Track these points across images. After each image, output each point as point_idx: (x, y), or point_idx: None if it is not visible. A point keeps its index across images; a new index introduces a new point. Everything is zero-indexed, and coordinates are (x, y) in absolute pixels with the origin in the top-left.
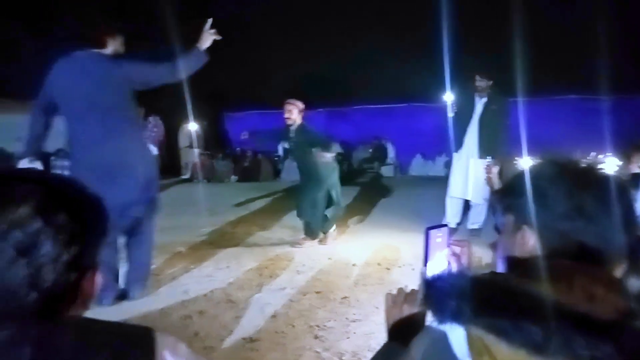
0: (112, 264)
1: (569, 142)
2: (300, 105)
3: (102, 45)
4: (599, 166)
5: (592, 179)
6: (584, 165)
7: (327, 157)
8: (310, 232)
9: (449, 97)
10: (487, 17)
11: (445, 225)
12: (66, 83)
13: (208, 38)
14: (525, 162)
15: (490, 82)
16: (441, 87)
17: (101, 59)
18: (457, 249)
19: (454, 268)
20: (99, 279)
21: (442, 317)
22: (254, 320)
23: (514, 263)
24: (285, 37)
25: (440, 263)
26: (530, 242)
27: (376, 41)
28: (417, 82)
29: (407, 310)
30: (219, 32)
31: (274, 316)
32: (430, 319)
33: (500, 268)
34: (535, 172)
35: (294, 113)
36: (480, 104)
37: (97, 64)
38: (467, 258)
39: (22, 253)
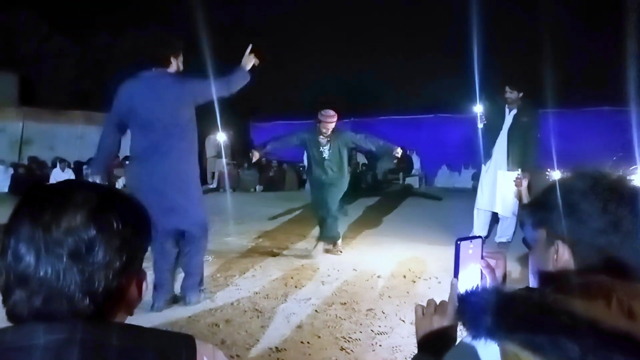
0: (168, 271)
1: (601, 154)
2: (336, 114)
3: (168, 64)
4: (631, 179)
5: (627, 192)
6: (616, 178)
7: (398, 151)
8: (334, 235)
9: (478, 108)
10: (518, 27)
11: (480, 237)
12: (137, 102)
13: (250, 61)
14: (556, 175)
15: (521, 94)
16: (469, 99)
17: (169, 78)
18: (492, 262)
19: (489, 281)
20: (145, 285)
21: (476, 332)
22: (280, 330)
23: (547, 278)
24: (313, 48)
25: (473, 275)
26: (564, 257)
27: (403, 52)
28: (444, 93)
29: (437, 321)
30: (257, 52)
31: (299, 326)
32: (462, 334)
33: (533, 283)
34: (567, 186)
35: (334, 125)
36: (510, 115)
37: (166, 83)
38: (502, 271)
39: (76, 259)
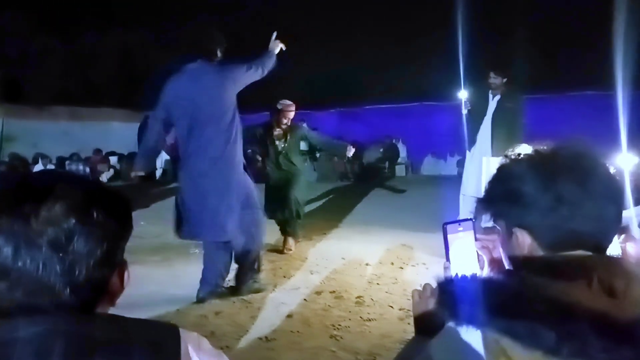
0: (217, 268)
1: (586, 139)
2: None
3: (214, 55)
4: (565, 147)
5: (562, 163)
6: (549, 152)
7: (350, 150)
8: (295, 231)
9: (463, 94)
10: (502, 13)
11: (470, 219)
12: (185, 95)
13: (277, 45)
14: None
15: (505, 79)
16: (453, 86)
17: (216, 70)
18: (489, 243)
19: (486, 261)
20: (127, 275)
21: (457, 321)
22: (270, 320)
23: (519, 264)
24: (296, 37)
25: (469, 258)
26: (527, 243)
27: (387, 41)
28: (429, 81)
29: (433, 304)
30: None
31: (289, 316)
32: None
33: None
34: (506, 174)
35: (293, 115)
36: (493, 101)
37: (214, 74)
38: (499, 250)
39: (57, 249)
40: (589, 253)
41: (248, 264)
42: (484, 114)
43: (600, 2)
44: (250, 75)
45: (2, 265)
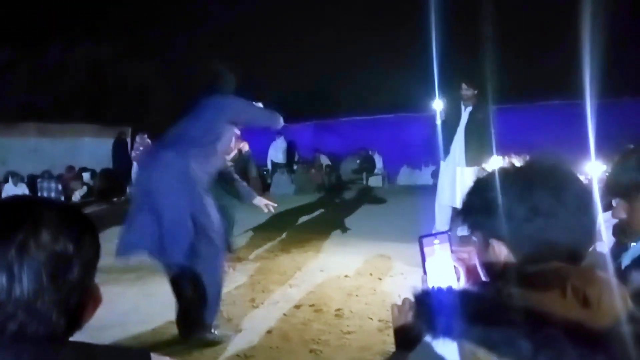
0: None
1: (554, 148)
2: None
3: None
4: (540, 159)
5: (537, 175)
6: (525, 164)
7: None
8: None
9: (438, 104)
10: (472, 24)
11: (446, 232)
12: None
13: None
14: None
15: (476, 91)
16: (427, 97)
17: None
18: (464, 255)
19: (462, 273)
20: (97, 300)
21: (433, 333)
22: (248, 336)
23: (497, 273)
24: (271, 51)
25: (446, 270)
26: (503, 254)
27: (361, 53)
28: (403, 93)
29: (411, 318)
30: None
31: (268, 331)
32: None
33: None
34: (483, 186)
35: None
36: (466, 112)
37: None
38: (474, 262)
39: (53, 278)
40: (563, 264)
41: (196, 307)
42: (458, 125)
43: (565, 11)
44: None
45: None
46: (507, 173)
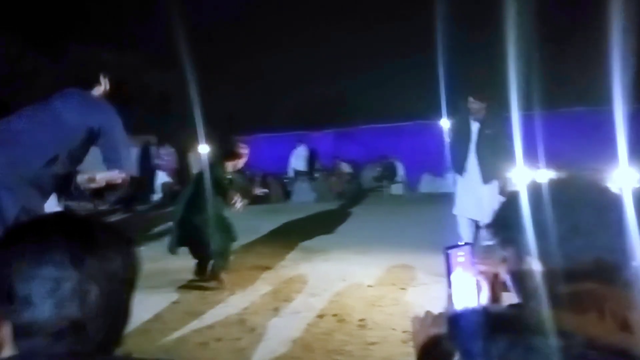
0: None
1: (580, 156)
2: None
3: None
4: (585, 177)
5: (578, 194)
6: (565, 181)
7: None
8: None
9: (445, 122)
10: (492, 30)
11: (468, 244)
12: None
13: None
14: (518, 182)
15: (484, 104)
16: (447, 104)
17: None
18: (484, 267)
19: (485, 287)
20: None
21: (468, 356)
22: (271, 346)
23: (529, 294)
24: (292, 60)
25: (468, 284)
26: (537, 272)
27: (381, 61)
28: (424, 100)
29: (434, 334)
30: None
31: (291, 341)
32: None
33: (517, 298)
34: (518, 200)
35: None
36: (475, 128)
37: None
38: (496, 276)
39: (49, 296)
40: (599, 285)
41: None
42: (469, 140)
43: (588, 14)
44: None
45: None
46: (546, 189)
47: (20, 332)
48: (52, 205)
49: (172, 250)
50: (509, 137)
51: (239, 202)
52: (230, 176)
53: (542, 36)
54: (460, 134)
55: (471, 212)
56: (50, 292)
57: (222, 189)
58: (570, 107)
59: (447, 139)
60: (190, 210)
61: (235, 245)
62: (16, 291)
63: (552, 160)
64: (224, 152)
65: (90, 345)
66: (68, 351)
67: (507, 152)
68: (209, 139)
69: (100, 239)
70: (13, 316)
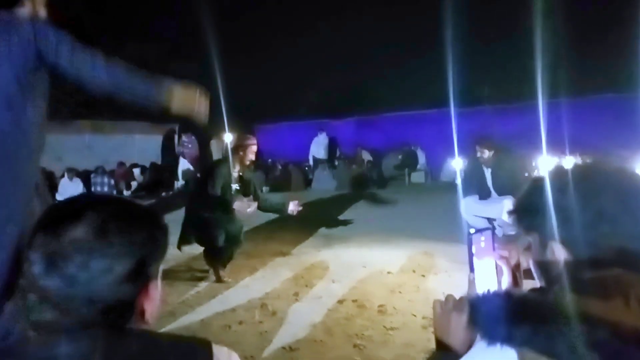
0: None
1: (607, 143)
2: None
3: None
4: (607, 163)
5: (603, 179)
6: (590, 167)
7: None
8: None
9: (457, 163)
10: (519, 15)
11: (489, 229)
12: None
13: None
14: (567, 162)
15: (492, 152)
16: (470, 91)
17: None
18: (505, 253)
19: (505, 273)
20: (156, 293)
21: (492, 341)
22: (293, 329)
23: (552, 278)
24: (314, 48)
25: (488, 269)
26: (562, 257)
27: (402, 48)
28: (446, 87)
29: (456, 318)
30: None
31: (312, 325)
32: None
33: (540, 282)
34: (542, 186)
35: None
36: (487, 173)
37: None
38: (515, 262)
39: (79, 270)
40: (625, 271)
41: None
42: (484, 182)
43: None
44: (86, 63)
45: (33, 279)
46: (572, 175)
47: (46, 305)
48: (78, 191)
49: (178, 247)
50: (524, 169)
51: (251, 207)
52: (240, 173)
53: (571, 21)
54: (474, 177)
55: (483, 211)
56: (81, 268)
57: (225, 190)
58: (600, 94)
59: (459, 180)
60: (194, 209)
61: (257, 231)
62: (63, 264)
63: (579, 147)
64: (232, 147)
65: (102, 313)
66: (88, 323)
67: (524, 181)
68: (229, 128)
69: (143, 221)
70: (36, 287)
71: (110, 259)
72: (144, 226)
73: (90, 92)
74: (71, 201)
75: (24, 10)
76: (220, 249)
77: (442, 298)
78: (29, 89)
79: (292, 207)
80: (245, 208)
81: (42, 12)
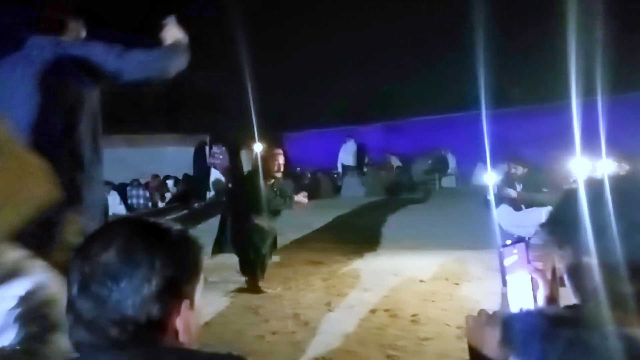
0: None
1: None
2: None
3: (55, 27)
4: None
5: (637, 189)
6: (622, 177)
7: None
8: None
9: (490, 177)
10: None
11: (522, 240)
12: None
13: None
14: (603, 166)
15: (526, 170)
16: (500, 93)
17: (50, 46)
18: (540, 265)
19: (541, 284)
20: (190, 313)
21: (526, 359)
22: (326, 340)
23: (587, 294)
24: (341, 54)
25: (523, 282)
26: (596, 271)
27: (428, 51)
28: (475, 90)
29: (489, 333)
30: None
31: (345, 335)
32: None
33: (574, 300)
34: (575, 197)
35: None
36: (519, 188)
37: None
38: (551, 274)
39: (107, 292)
40: None
41: None
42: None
43: None
44: (118, 61)
45: (70, 301)
46: (604, 186)
47: (80, 325)
48: (115, 203)
49: (211, 255)
50: (553, 189)
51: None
52: (272, 183)
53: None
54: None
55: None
56: (109, 290)
57: (257, 201)
58: (636, 92)
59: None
60: (228, 220)
61: (287, 240)
62: (94, 287)
63: (616, 148)
64: (260, 161)
65: (143, 340)
66: (119, 343)
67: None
68: (260, 136)
69: (171, 242)
70: (80, 310)
71: (137, 280)
72: (173, 246)
73: (134, 83)
74: (105, 225)
75: (71, 34)
76: (255, 259)
77: (476, 307)
78: (82, 104)
79: (300, 199)
80: (303, 199)
81: (84, 32)
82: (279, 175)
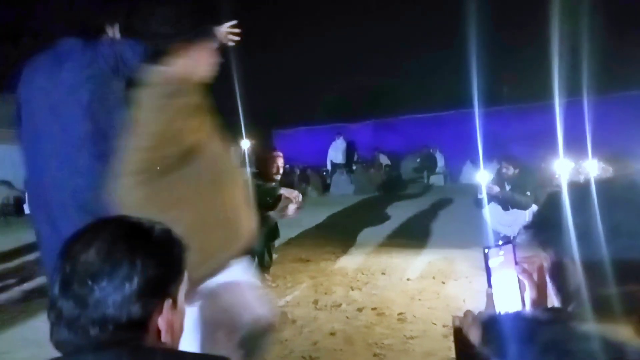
0: None
1: (630, 143)
2: None
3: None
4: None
5: (620, 193)
6: (605, 182)
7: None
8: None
9: (481, 176)
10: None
11: (509, 242)
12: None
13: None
14: (590, 166)
15: (517, 170)
16: (489, 92)
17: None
18: (527, 266)
19: (527, 287)
20: (173, 313)
21: None
22: (313, 338)
23: (569, 296)
24: (331, 52)
25: (510, 283)
26: (577, 274)
27: (419, 50)
28: (464, 89)
29: (474, 334)
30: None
31: (332, 333)
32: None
33: (556, 300)
34: (560, 201)
35: None
36: (507, 188)
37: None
38: (540, 275)
39: (87, 291)
40: None
41: None
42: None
43: None
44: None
45: (52, 300)
46: (586, 189)
47: (62, 324)
48: None
49: None
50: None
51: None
52: (272, 184)
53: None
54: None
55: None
56: (90, 290)
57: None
58: (628, 91)
59: (481, 196)
60: None
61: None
62: (74, 286)
63: (603, 148)
64: (256, 163)
65: (125, 340)
66: (100, 343)
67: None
68: (249, 134)
69: (153, 241)
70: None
71: (118, 279)
72: (156, 246)
73: None
74: (88, 224)
75: (107, 37)
76: (259, 255)
77: (463, 305)
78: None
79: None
80: (292, 194)
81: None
82: (278, 177)
